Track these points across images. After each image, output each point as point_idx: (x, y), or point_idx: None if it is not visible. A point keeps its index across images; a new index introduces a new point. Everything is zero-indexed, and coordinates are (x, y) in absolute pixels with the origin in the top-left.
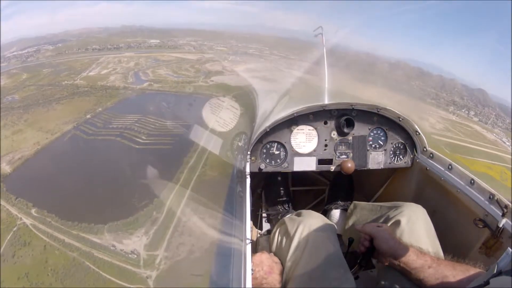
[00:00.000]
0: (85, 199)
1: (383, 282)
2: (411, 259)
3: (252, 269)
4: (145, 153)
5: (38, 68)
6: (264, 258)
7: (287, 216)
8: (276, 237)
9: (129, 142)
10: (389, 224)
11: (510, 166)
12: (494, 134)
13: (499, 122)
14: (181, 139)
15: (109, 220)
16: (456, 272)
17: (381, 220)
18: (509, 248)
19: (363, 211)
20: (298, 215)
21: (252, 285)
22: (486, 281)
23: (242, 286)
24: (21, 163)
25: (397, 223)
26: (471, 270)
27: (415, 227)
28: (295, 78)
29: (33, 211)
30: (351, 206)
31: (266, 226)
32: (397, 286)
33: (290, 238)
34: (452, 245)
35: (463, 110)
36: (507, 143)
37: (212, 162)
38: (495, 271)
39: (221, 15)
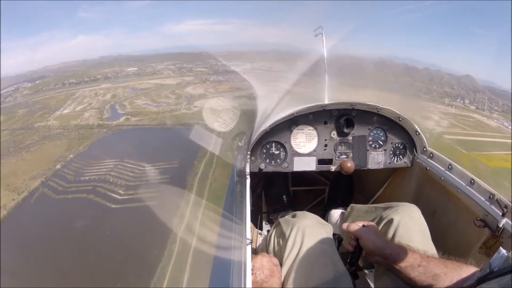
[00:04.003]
0: None
1: (380, 282)
2: (399, 258)
3: (252, 270)
4: (124, 215)
5: (14, 109)
6: (265, 261)
7: (283, 217)
8: (272, 238)
9: (104, 200)
10: (382, 224)
11: None
12: (495, 120)
13: (493, 105)
14: (167, 191)
15: None
16: (447, 269)
17: (376, 221)
18: (501, 248)
19: (359, 213)
20: (293, 216)
21: (253, 287)
22: (478, 281)
23: (242, 286)
24: None
25: (390, 222)
26: (464, 267)
27: (407, 226)
28: (283, 90)
29: None
30: (348, 209)
31: (266, 226)
32: (395, 286)
33: (285, 240)
34: (452, 245)
35: (458, 100)
36: (509, 127)
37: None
38: (487, 271)
39: (197, 37)
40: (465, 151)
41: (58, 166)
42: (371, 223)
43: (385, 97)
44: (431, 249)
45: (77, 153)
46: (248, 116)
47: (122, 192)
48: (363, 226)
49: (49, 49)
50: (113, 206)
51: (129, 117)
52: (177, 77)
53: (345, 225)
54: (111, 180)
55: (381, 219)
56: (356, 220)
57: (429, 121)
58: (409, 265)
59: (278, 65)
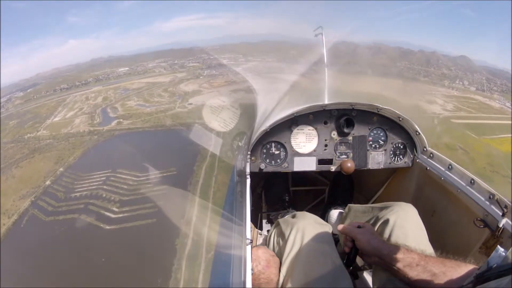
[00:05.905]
0: None
1: (379, 281)
2: (396, 258)
3: (251, 269)
4: (120, 238)
5: (6, 121)
6: (261, 253)
7: (283, 217)
8: (272, 239)
9: (97, 221)
10: (378, 224)
11: None
12: (497, 101)
13: (492, 85)
14: (166, 204)
15: None
16: (446, 268)
17: (372, 221)
18: (499, 246)
19: (356, 213)
20: (293, 216)
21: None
22: (476, 278)
23: (243, 286)
24: None
25: (386, 222)
26: (462, 266)
27: (403, 225)
28: (278, 80)
29: None
30: (346, 209)
31: (266, 226)
32: (393, 285)
33: (285, 240)
34: (452, 245)
35: (457, 81)
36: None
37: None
38: (485, 269)
39: (187, 33)
40: (476, 135)
41: (47, 182)
42: (366, 223)
43: (387, 84)
44: (429, 249)
45: (67, 166)
46: (248, 113)
47: (116, 210)
48: (358, 227)
49: (41, 56)
50: (107, 227)
51: (121, 120)
52: (169, 74)
53: (340, 227)
54: (104, 195)
55: (377, 219)
56: (354, 220)
57: (434, 105)
58: (407, 265)
59: (270, 56)
